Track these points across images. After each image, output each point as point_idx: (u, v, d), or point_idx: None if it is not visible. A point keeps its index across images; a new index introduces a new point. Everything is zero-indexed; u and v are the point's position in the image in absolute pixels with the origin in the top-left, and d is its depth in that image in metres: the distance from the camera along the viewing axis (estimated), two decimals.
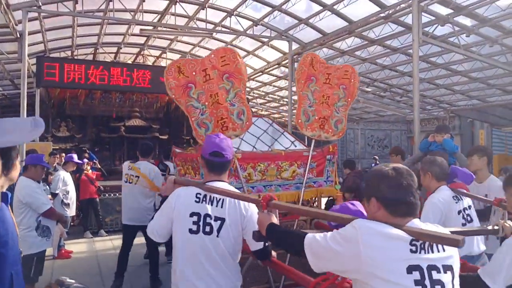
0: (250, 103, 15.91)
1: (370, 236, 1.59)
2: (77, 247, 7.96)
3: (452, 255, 1.65)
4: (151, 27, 9.65)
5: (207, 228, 2.36)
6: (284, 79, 12.81)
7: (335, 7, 8.46)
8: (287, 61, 10.35)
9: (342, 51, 10.09)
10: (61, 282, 0.85)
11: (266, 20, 9.67)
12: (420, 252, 1.59)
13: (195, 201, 2.41)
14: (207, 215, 2.38)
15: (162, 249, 6.24)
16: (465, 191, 3.38)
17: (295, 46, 10.12)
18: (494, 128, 14.59)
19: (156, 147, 12.03)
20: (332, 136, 4.19)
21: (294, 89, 13.45)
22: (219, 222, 2.38)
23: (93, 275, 6.25)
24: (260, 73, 12.76)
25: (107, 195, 9.30)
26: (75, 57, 11.96)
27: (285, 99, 14.48)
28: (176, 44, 12.40)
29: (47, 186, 7.16)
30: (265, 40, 10.68)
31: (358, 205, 2.04)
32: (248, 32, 10.10)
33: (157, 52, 13.33)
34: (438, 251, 1.62)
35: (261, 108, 17.68)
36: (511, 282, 2.14)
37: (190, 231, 2.37)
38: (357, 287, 1.70)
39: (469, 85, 12.27)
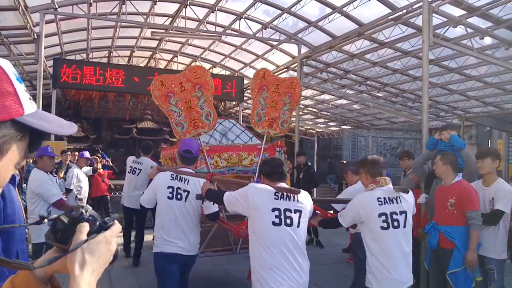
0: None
1: (253, 190, 2.90)
2: None
3: (302, 205, 2.89)
4: (162, 30, 9.86)
5: (179, 196, 3.68)
6: None
7: (345, 9, 8.48)
8: (296, 64, 10.42)
9: (352, 54, 10.09)
10: (82, 206, 1.00)
11: (275, 23, 9.74)
12: (280, 200, 2.84)
13: (170, 179, 3.73)
14: (178, 188, 3.69)
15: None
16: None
17: (304, 49, 10.20)
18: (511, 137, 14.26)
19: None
20: (279, 133, 5.33)
21: (302, 93, 13.49)
22: (186, 193, 3.69)
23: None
24: None
25: (117, 193, 9.47)
26: (90, 60, 12.23)
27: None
28: (187, 48, 12.57)
29: (58, 182, 7.37)
30: (274, 43, 10.76)
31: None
32: (257, 35, 10.22)
33: (169, 56, 13.54)
34: (293, 201, 2.87)
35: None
36: (354, 223, 3.28)
37: (168, 198, 3.67)
38: (249, 220, 3.01)
39: (484, 90, 11.80)
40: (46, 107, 11.49)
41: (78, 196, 7.40)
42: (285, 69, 11.82)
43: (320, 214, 3.67)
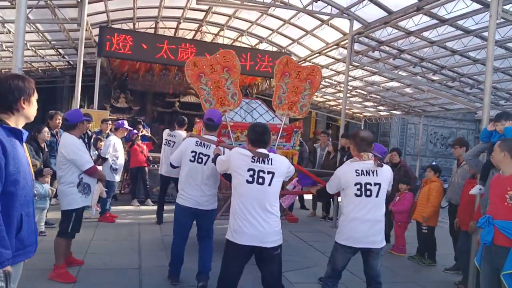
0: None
1: (234, 154, 3.43)
2: (122, 213, 8.11)
3: (275, 169, 3.33)
4: None
5: (199, 160, 4.35)
6: (342, 62, 12.15)
7: None
8: (346, 41, 9.78)
9: (408, 32, 9.33)
10: None
11: None
12: (256, 162, 3.30)
13: (195, 144, 4.39)
14: (200, 153, 4.36)
15: None
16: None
17: (357, 26, 9.52)
18: None
19: None
20: (297, 115, 5.78)
21: (351, 73, 12.76)
22: (206, 157, 4.34)
23: (132, 241, 6.30)
24: (318, 54, 12.22)
25: (156, 165, 9.35)
26: (136, 30, 12.12)
27: (342, 85, 13.70)
28: (234, 21, 12.19)
29: (96, 151, 7.30)
30: (325, 18, 10.15)
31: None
32: (307, 8, 9.64)
33: (215, 29, 13.21)
34: (267, 164, 3.31)
35: (315, 95, 16.63)
36: (338, 190, 3.82)
37: (190, 160, 4.36)
38: (232, 176, 3.44)
39: None
40: (92, 76, 11.58)
41: (113, 165, 7.33)
42: (335, 46, 11.20)
43: (320, 185, 4.42)
